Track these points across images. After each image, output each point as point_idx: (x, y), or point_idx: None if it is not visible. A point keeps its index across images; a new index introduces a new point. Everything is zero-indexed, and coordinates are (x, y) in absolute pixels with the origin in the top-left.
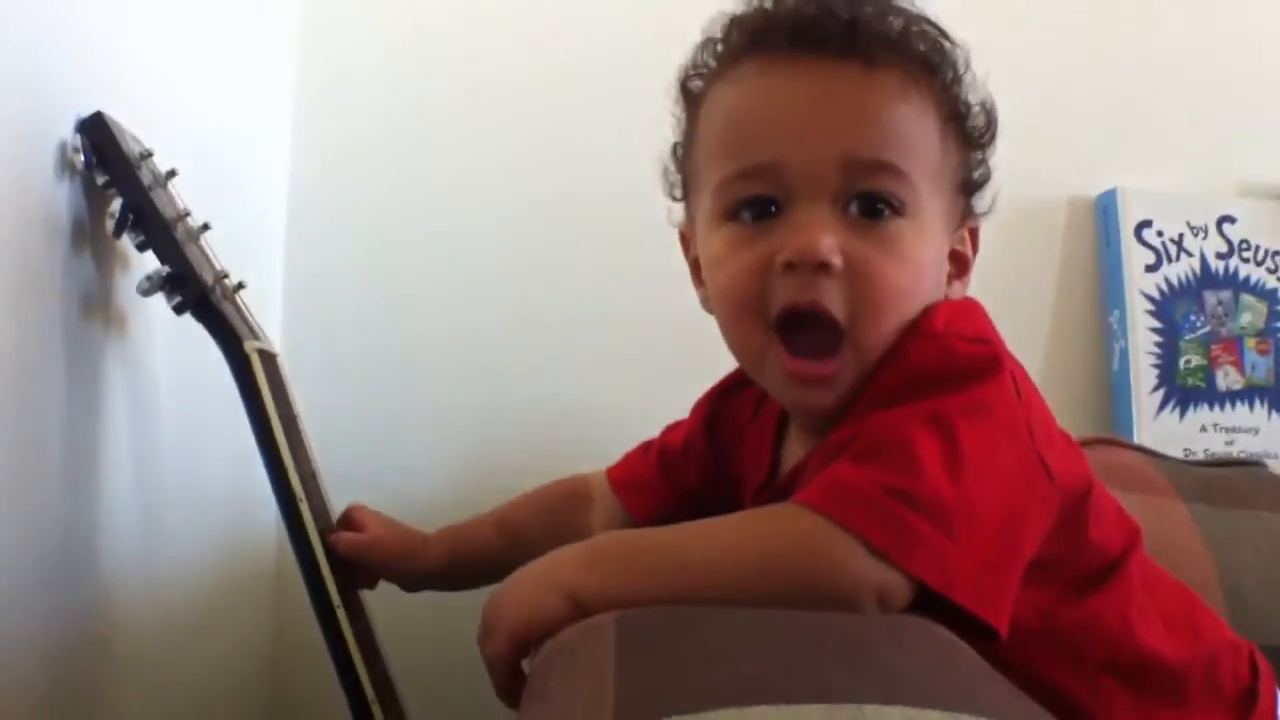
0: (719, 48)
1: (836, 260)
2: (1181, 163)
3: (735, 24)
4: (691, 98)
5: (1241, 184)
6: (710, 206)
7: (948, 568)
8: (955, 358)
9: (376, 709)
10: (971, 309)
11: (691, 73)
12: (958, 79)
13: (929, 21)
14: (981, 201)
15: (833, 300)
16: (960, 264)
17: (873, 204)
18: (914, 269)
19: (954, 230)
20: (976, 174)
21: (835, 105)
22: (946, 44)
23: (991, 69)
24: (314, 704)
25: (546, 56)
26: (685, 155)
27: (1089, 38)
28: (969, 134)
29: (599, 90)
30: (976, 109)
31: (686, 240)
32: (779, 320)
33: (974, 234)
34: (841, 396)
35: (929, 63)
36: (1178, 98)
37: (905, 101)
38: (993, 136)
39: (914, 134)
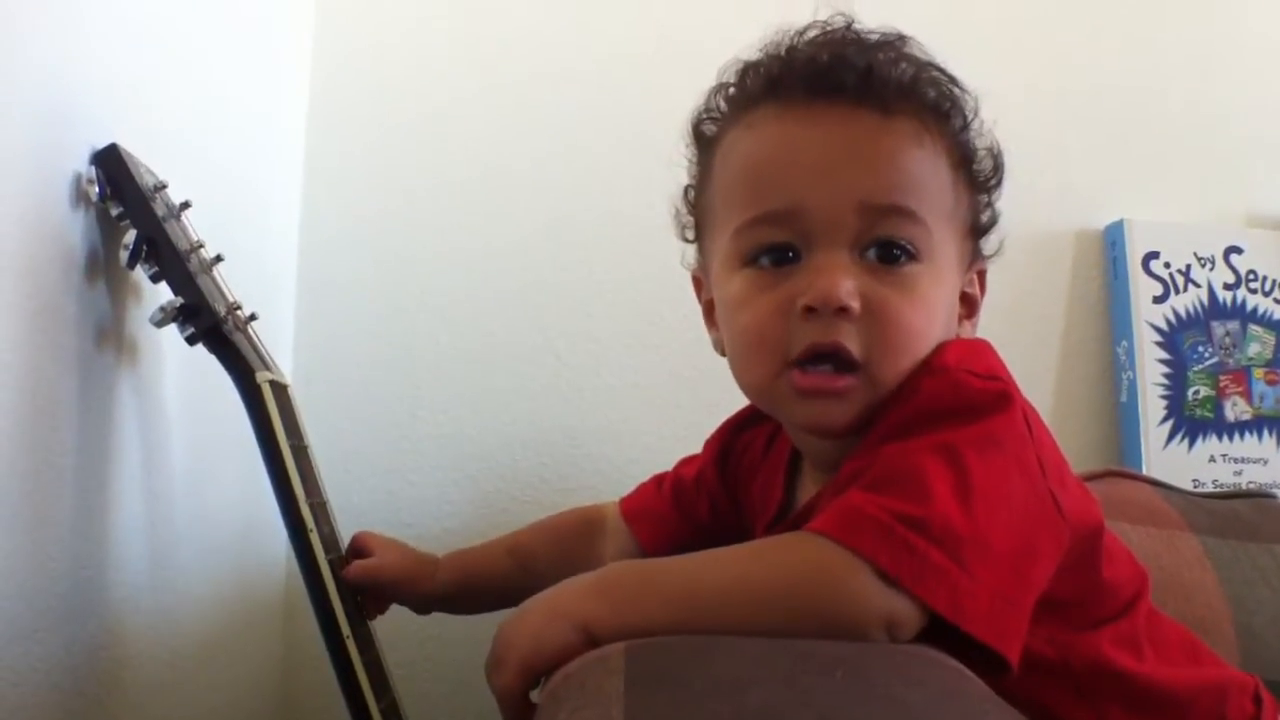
0: (733, 92)
1: (855, 304)
2: (1188, 194)
3: (750, 70)
4: (705, 141)
5: (1249, 215)
6: (728, 250)
7: (958, 596)
8: (966, 392)
9: None
10: (982, 347)
11: (704, 116)
12: (968, 125)
13: (940, 68)
14: (989, 244)
15: (852, 341)
16: (969, 305)
17: (889, 250)
18: (928, 311)
19: (964, 272)
20: (985, 217)
21: (853, 152)
22: (957, 90)
23: (999, 103)
24: None
25: (558, 93)
26: (698, 198)
27: (1095, 70)
28: (977, 178)
29: (617, 115)
30: (984, 154)
31: (699, 283)
32: (799, 358)
33: (981, 276)
34: (852, 416)
35: (941, 109)
36: (1185, 130)
37: (919, 147)
38: (999, 181)
39: (928, 179)
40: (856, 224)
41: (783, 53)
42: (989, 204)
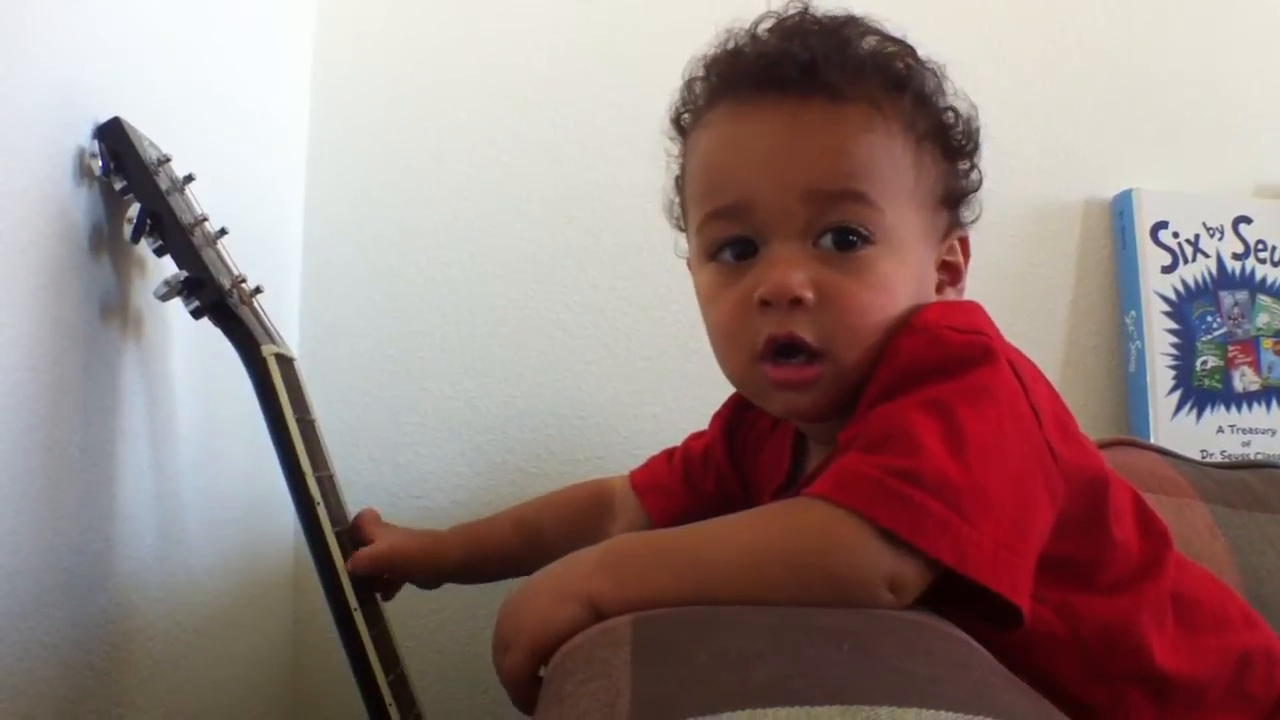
0: (696, 89)
1: (808, 294)
2: (1197, 164)
3: (708, 67)
4: (683, 134)
5: (1258, 184)
6: (696, 245)
7: (961, 544)
8: (946, 347)
9: (394, 711)
10: (965, 306)
11: (681, 110)
12: (929, 96)
13: (895, 41)
14: (970, 210)
15: (808, 330)
16: (952, 272)
17: (844, 235)
18: (887, 292)
19: (940, 243)
20: (962, 183)
21: (798, 143)
22: (914, 63)
23: (1008, 72)
24: (332, 706)
25: (562, 64)
26: (681, 189)
27: (1104, 40)
28: (947, 147)
29: (622, 86)
30: (953, 121)
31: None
32: (763, 351)
33: (964, 243)
34: (825, 402)
35: (895, 86)
36: (1193, 99)
37: (869, 131)
38: (975, 146)
39: (880, 160)
40: (805, 213)
41: (734, 47)
42: (969, 169)
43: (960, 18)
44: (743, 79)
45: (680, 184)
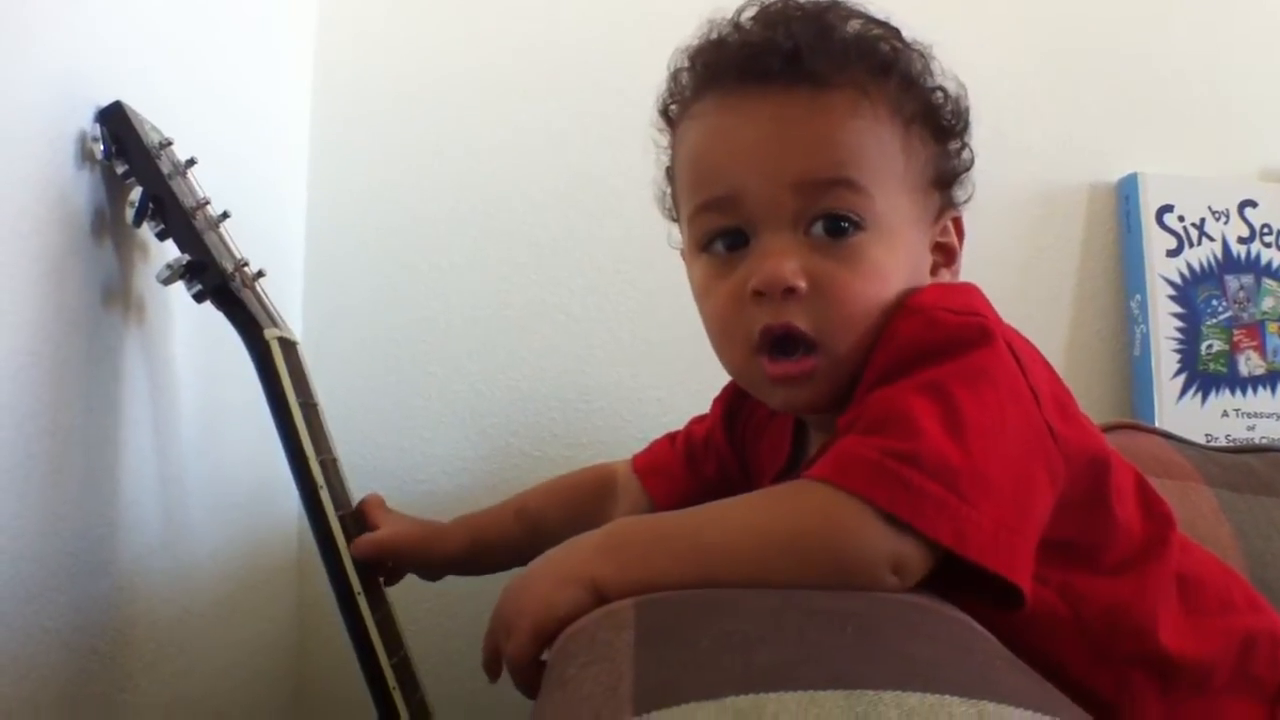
0: (682, 80)
1: (801, 283)
2: (1203, 147)
3: (693, 58)
4: (671, 125)
5: (1263, 168)
6: (688, 236)
7: (961, 525)
8: (942, 329)
9: (397, 695)
10: (962, 288)
11: (668, 101)
12: (916, 77)
13: (880, 24)
14: (963, 190)
15: (802, 320)
16: (947, 254)
17: (835, 223)
18: (880, 279)
19: (933, 225)
20: (952, 164)
21: (785, 132)
22: (899, 45)
23: (1012, 55)
24: (336, 690)
25: (564, 48)
26: (672, 181)
27: (1109, 22)
28: (937, 128)
29: (624, 72)
30: (941, 101)
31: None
32: (759, 343)
33: (957, 222)
34: (823, 394)
35: (881, 70)
36: (1199, 82)
37: (856, 117)
38: (965, 125)
39: (868, 146)
40: (795, 203)
41: (718, 37)
42: (960, 148)
43: (965, 2)
44: (727, 70)
45: (670, 175)
